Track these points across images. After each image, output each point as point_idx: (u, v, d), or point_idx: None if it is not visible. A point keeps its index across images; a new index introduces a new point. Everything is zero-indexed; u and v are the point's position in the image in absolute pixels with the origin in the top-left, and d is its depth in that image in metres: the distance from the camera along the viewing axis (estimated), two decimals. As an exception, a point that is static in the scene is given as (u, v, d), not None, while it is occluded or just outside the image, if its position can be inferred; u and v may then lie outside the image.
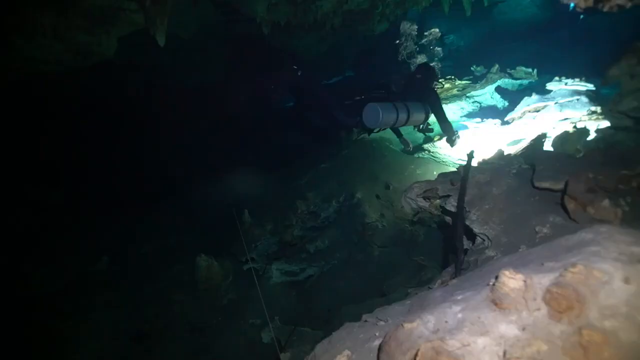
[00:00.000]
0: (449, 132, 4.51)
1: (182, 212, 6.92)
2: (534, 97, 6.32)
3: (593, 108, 5.21)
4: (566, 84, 5.96)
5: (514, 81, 9.28)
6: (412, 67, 6.25)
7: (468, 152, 3.10)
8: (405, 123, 4.16)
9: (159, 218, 6.90)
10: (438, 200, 2.89)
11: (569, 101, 5.56)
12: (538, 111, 5.88)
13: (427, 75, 4.59)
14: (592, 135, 3.55)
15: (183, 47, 9.81)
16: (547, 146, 4.43)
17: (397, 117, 3.89)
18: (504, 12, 15.06)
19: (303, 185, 6.55)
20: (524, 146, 4.15)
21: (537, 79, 8.60)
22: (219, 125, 11.04)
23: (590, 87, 5.80)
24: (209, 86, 11.70)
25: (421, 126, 4.61)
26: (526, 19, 15.23)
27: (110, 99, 9.50)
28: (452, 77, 9.48)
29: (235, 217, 5.67)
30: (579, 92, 5.70)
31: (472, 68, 9.89)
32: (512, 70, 8.71)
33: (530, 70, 8.47)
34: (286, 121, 11.61)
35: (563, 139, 3.60)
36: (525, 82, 9.11)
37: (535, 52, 15.00)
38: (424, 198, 2.97)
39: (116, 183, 7.77)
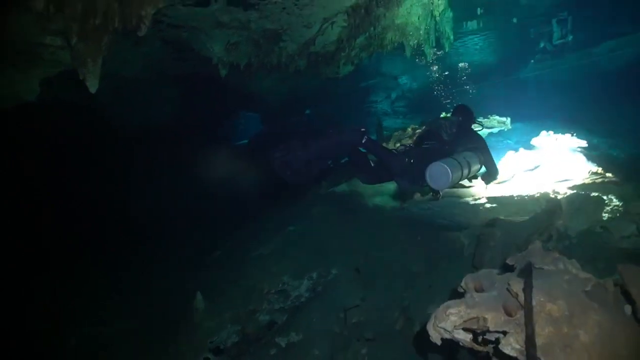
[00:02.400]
0: (493, 174, 3.95)
1: (117, 291, 5.64)
2: (522, 151, 5.86)
3: (595, 168, 4.73)
4: (557, 139, 5.54)
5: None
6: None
7: (523, 267, 2.28)
8: (465, 178, 3.51)
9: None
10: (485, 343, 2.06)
11: (565, 159, 5.11)
12: (532, 170, 5.35)
13: (468, 117, 4.04)
14: None
15: (126, 86, 8.70)
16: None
17: (462, 173, 3.25)
18: (461, 54, 15.30)
19: (268, 256, 5.54)
20: (549, 232, 3.48)
21: (510, 127, 8.33)
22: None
23: (585, 142, 5.40)
24: (158, 127, 10.63)
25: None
26: (481, 62, 15.54)
27: (38, 142, 8.15)
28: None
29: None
30: (574, 149, 5.28)
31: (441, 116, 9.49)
32: (485, 119, 8.38)
33: (504, 119, 8.15)
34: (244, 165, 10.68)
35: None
36: (494, 130, 8.84)
37: (491, 95, 15.33)
38: (464, 329, 2.15)
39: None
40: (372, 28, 7.78)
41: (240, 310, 4.73)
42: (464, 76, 15.26)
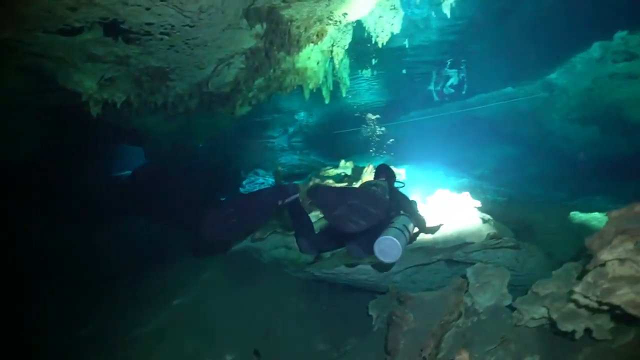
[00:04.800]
0: (423, 229, 3.87)
1: None
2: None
3: (491, 230, 4.80)
4: (451, 196, 5.62)
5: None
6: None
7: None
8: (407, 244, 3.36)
9: None
10: None
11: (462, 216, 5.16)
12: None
13: (391, 177, 4.00)
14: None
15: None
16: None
17: (406, 241, 3.16)
18: (356, 97, 15.87)
19: (147, 339, 4.56)
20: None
21: (349, 173, 8.56)
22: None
23: (478, 202, 5.56)
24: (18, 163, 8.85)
25: None
26: (373, 106, 16.30)
27: None
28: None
29: None
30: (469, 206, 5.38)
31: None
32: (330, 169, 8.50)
33: (348, 163, 8.35)
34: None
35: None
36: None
37: (383, 136, 16.13)
38: None
39: None
40: (271, 71, 7.41)
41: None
42: (359, 116, 15.89)
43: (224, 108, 8.28)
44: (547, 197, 10.40)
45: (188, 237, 7.77)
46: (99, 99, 5.97)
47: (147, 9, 4.43)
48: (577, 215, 8.18)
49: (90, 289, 6.30)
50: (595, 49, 9.37)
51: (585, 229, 7.50)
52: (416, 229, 3.81)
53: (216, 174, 15.86)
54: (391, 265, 3.96)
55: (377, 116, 15.43)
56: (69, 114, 8.11)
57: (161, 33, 4.98)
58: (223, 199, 16.27)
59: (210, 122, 11.02)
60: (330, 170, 8.80)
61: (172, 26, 4.87)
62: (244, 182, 17.36)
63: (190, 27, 4.81)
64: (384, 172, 4.04)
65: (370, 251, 3.13)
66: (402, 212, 3.62)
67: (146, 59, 5.65)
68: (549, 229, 7.84)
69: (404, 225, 3.27)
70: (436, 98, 13.07)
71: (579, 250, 7.20)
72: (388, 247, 3.01)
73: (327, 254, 5.85)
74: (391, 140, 14.66)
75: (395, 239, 2.99)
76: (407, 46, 11.22)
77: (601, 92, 10.68)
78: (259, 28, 5.54)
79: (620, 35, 8.70)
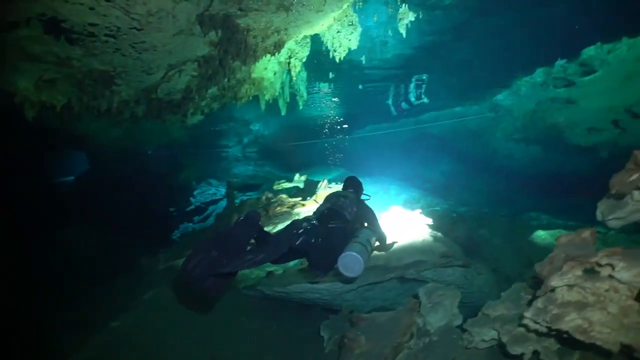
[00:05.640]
0: (384, 244, 4.11)
1: None
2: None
3: (442, 248, 4.85)
4: (404, 214, 5.65)
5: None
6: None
7: None
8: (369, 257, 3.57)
9: None
10: None
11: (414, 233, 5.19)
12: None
13: (359, 189, 4.17)
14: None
15: None
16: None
17: (369, 256, 3.33)
18: (313, 109, 15.87)
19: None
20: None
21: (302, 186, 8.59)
22: None
23: (430, 220, 5.63)
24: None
25: None
26: (330, 119, 16.37)
27: None
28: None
29: None
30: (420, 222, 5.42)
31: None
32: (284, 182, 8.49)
33: (303, 177, 8.36)
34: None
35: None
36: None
37: (340, 149, 16.23)
38: None
39: None
40: (226, 80, 7.20)
41: None
42: (316, 129, 15.88)
43: (174, 116, 7.93)
44: (492, 213, 10.82)
45: (131, 248, 7.34)
46: (36, 101, 5.50)
47: (91, 8, 4.14)
48: (521, 232, 8.55)
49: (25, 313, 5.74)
50: (539, 74, 9.98)
51: (529, 245, 7.85)
52: (377, 243, 3.93)
53: (165, 183, 15.21)
54: (352, 279, 4.00)
55: (334, 129, 15.53)
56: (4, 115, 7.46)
57: (106, 35, 4.67)
58: (172, 209, 15.63)
59: (161, 129, 10.56)
60: (284, 183, 8.67)
61: (119, 28, 4.58)
62: (195, 192, 16.76)
63: (138, 30, 4.54)
64: (353, 184, 4.17)
65: (332, 267, 3.28)
66: (366, 224, 3.77)
67: (90, 61, 5.28)
68: (494, 244, 8.14)
69: (367, 239, 3.41)
70: (394, 112, 13.38)
71: (522, 266, 7.52)
72: (351, 262, 3.14)
73: (279, 271, 5.72)
74: (343, 154, 14.79)
75: (358, 255, 3.11)
76: (364, 62, 11.39)
77: (544, 115, 11.35)
78: (213, 35, 5.35)
79: (560, 63, 9.33)
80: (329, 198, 3.84)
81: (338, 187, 8.40)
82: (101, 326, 4.74)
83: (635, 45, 8.20)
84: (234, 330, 4.69)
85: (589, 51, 8.70)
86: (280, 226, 6.27)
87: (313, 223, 3.44)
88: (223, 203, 15.20)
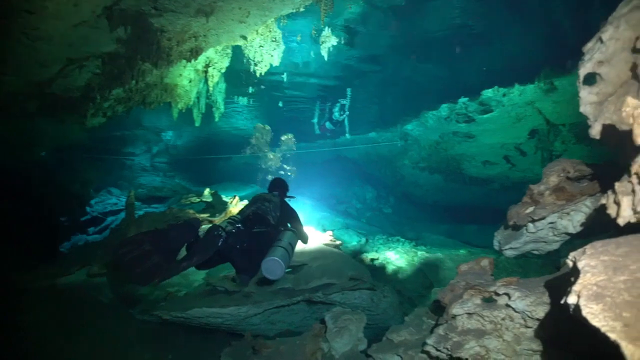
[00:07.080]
0: (305, 242, 4.14)
1: None
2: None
3: (349, 272, 4.87)
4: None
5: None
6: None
7: None
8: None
9: None
10: None
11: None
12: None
13: (284, 191, 4.25)
14: None
15: None
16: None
17: (290, 259, 3.44)
18: (230, 122, 15.41)
19: None
20: None
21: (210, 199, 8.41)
22: None
23: (339, 242, 5.65)
24: None
25: None
26: (247, 133, 16.00)
27: None
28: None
29: None
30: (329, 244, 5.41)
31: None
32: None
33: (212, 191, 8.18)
34: None
35: None
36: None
37: (254, 166, 15.89)
38: None
39: None
40: (133, 82, 6.64)
41: None
42: (232, 143, 15.40)
43: (71, 116, 7.11)
44: (399, 235, 11.33)
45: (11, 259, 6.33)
46: None
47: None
48: (422, 254, 9.04)
49: None
50: (444, 108, 10.81)
51: (429, 266, 8.31)
52: (300, 244, 4.03)
53: (58, 189, 13.54)
54: (273, 281, 4.19)
55: (252, 144, 15.19)
56: None
57: (-11, 14, 4.02)
58: (63, 218, 13.93)
59: (58, 129, 9.40)
60: (193, 197, 8.19)
61: (7, 7, 3.97)
62: (92, 202, 15.16)
63: (30, 13, 3.97)
64: (278, 186, 4.25)
65: (257, 271, 3.36)
66: (289, 225, 3.92)
67: (-35, 41, 4.51)
68: (397, 266, 8.49)
69: (289, 243, 3.54)
70: (317, 131, 13.51)
71: (424, 288, 7.88)
72: (273, 266, 3.26)
73: (182, 292, 5.34)
74: (259, 171, 14.54)
75: (279, 260, 3.25)
76: (285, 80, 11.41)
77: (446, 146, 12.28)
78: (122, 32, 4.90)
79: (462, 100, 10.22)
80: (255, 201, 3.92)
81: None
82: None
83: (524, 92, 9.31)
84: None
85: (488, 92, 9.68)
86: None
87: (238, 227, 3.47)
88: (123, 214, 13.92)
